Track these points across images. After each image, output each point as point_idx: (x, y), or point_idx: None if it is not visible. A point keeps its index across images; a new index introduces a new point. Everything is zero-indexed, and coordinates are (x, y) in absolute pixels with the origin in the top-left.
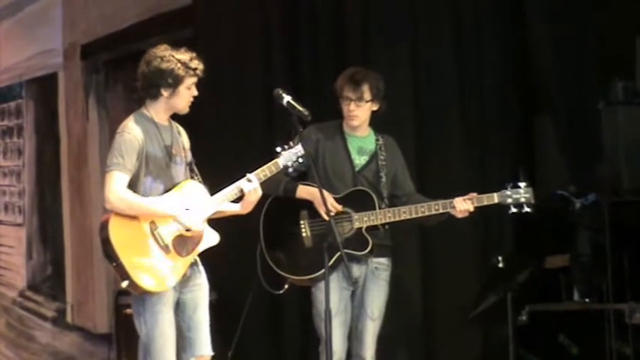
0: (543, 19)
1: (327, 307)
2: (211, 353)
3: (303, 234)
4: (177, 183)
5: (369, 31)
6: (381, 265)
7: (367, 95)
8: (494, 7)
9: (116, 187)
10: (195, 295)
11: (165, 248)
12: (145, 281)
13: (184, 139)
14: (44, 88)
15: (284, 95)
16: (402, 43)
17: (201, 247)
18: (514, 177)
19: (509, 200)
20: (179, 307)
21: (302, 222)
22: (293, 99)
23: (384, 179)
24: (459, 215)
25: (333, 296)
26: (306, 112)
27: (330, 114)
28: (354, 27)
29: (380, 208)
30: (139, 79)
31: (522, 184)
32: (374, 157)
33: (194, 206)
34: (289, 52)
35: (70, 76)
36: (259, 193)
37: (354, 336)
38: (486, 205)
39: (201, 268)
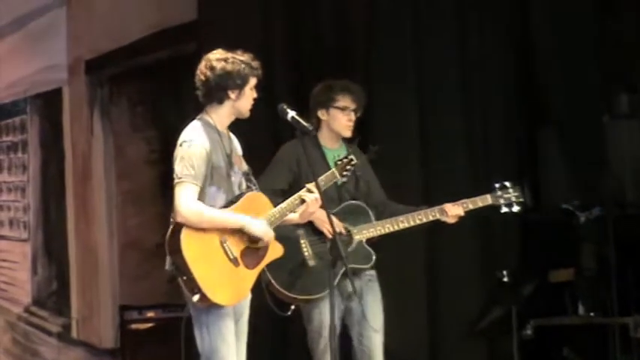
0: (548, 32)
1: (332, 324)
2: None
3: (305, 253)
4: (239, 194)
5: (373, 49)
6: (372, 276)
7: (361, 106)
8: (498, 20)
9: (188, 199)
10: (242, 305)
11: (234, 261)
12: (218, 295)
13: (238, 147)
14: (49, 103)
15: (288, 110)
16: (406, 58)
17: (268, 259)
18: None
19: (502, 200)
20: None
21: (302, 241)
22: (297, 114)
23: (363, 189)
24: (451, 220)
25: (329, 313)
26: (310, 127)
27: None
28: (358, 46)
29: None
30: (200, 86)
31: (508, 183)
32: None
33: (260, 217)
34: (292, 69)
35: (74, 91)
36: (319, 202)
37: (361, 353)
38: (481, 207)
39: None
